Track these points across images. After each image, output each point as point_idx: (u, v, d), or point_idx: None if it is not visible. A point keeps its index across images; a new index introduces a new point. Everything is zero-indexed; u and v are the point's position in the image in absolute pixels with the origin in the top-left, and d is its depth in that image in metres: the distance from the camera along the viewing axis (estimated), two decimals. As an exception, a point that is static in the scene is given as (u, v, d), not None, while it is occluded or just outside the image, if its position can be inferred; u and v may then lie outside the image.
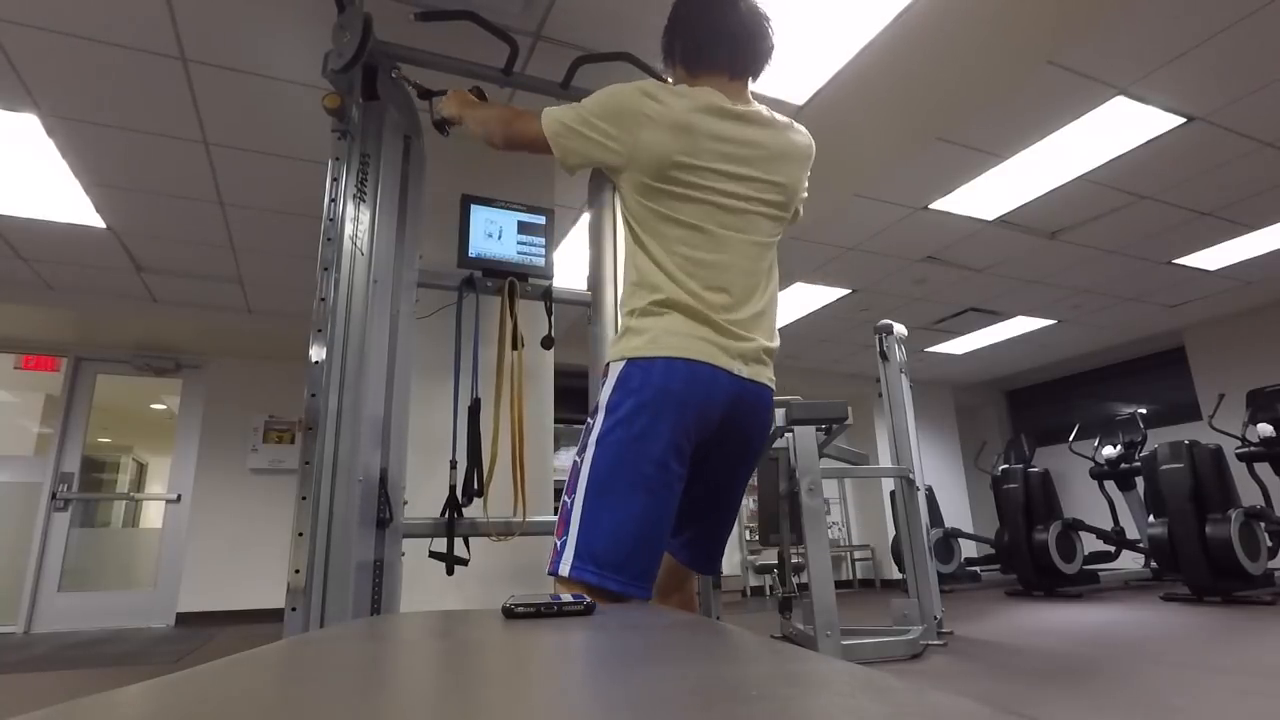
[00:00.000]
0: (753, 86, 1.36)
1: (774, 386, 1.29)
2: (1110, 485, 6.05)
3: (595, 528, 1.10)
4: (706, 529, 1.35)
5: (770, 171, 1.28)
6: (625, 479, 1.11)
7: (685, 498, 1.20)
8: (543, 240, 2.25)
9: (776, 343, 1.30)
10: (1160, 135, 3.21)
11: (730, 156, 1.24)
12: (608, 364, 1.23)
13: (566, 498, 1.16)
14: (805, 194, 1.40)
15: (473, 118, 1.57)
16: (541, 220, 2.27)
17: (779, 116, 1.34)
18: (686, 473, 1.18)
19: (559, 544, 1.13)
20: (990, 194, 3.72)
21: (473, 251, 2.16)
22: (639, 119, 1.21)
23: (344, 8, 1.73)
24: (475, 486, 1.98)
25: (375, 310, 1.71)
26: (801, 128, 1.37)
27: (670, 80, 1.39)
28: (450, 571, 1.93)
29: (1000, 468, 6.04)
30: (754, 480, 4.00)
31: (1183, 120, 3.11)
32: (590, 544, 1.09)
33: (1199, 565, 4.45)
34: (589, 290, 2.17)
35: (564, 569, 1.10)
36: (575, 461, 1.18)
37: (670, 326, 1.17)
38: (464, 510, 1.98)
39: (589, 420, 1.21)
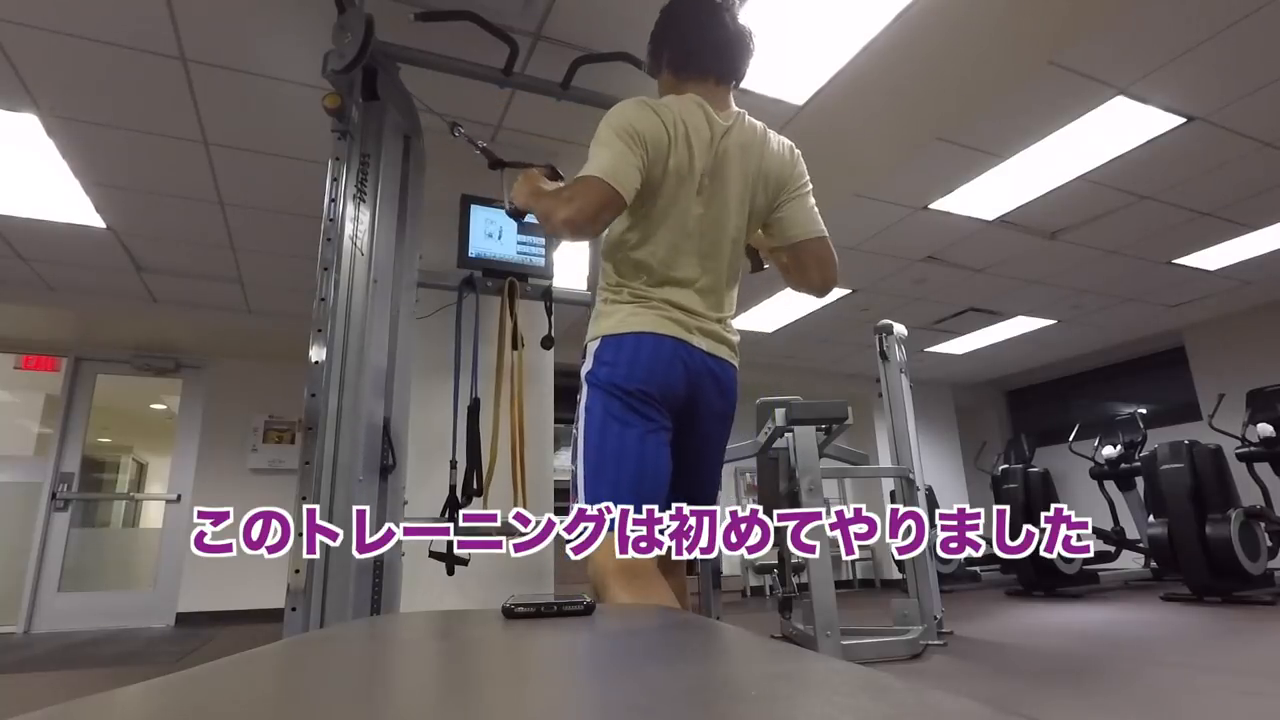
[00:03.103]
0: (750, 86, 1.39)
1: (736, 365, 1.43)
2: (1110, 485, 6.04)
3: (597, 497, 1.23)
4: (682, 498, 1.39)
5: (748, 173, 1.37)
6: (613, 445, 1.25)
7: None
8: (543, 240, 2.25)
9: (736, 336, 1.44)
10: (1160, 135, 3.21)
11: (709, 162, 1.33)
12: (585, 344, 1.36)
13: (572, 465, 1.31)
14: (803, 192, 1.45)
15: (537, 210, 1.43)
16: (541, 220, 2.26)
17: (758, 123, 1.44)
18: (670, 425, 1.31)
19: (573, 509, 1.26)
20: (990, 194, 3.72)
21: (473, 251, 2.16)
22: (650, 127, 1.29)
23: (344, 8, 1.73)
24: (475, 486, 1.99)
25: (375, 310, 1.71)
26: (781, 137, 1.46)
27: (657, 84, 1.48)
28: (450, 571, 1.93)
29: (1000, 468, 6.03)
30: (754, 480, 4.00)
31: (1183, 120, 3.11)
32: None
33: (1199, 565, 4.44)
34: (589, 290, 2.17)
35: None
36: (574, 432, 1.33)
37: (637, 308, 1.33)
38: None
39: (578, 397, 1.34)
